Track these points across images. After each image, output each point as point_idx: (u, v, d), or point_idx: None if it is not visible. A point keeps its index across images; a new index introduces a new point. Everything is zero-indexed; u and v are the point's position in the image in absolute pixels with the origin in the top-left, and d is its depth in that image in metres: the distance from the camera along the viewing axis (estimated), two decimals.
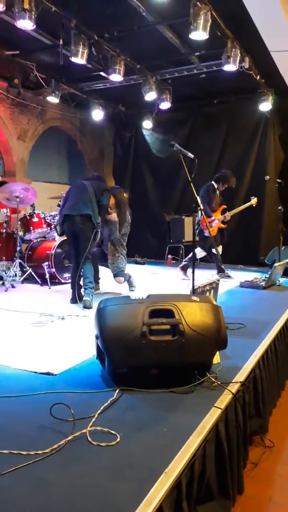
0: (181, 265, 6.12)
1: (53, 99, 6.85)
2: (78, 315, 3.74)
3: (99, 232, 4.35)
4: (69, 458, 1.56)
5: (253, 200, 6.26)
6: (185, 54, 5.85)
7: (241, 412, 2.13)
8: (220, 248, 6.06)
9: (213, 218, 5.90)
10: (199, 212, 4.02)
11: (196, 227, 5.55)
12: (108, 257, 4.88)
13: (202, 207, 3.72)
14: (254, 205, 6.26)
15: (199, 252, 6.00)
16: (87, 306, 3.98)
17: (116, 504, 1.31)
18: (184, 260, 6.27)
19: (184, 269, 5.98)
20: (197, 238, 5.66)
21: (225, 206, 6.10)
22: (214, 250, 5.92)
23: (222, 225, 6.06)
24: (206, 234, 5.81)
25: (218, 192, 6.00)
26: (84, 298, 4.09)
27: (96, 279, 4.88)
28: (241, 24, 4.78)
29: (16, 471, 1.46)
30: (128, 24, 5.05)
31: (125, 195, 5.13)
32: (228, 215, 6.00)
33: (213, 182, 5.97)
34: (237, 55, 5.21)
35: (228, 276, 5.79)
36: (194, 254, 4.16)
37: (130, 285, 4.99)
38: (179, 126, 8.25)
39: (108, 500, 1.33)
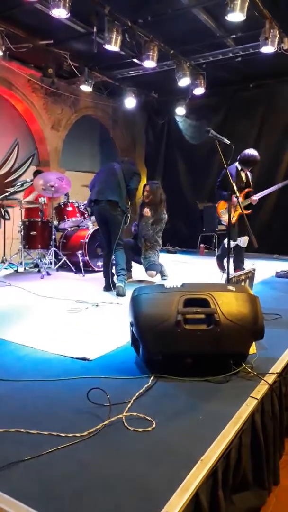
0: (216, 256, 5.62)
1: (86, 88, 6.86)
2: (112, 303, 3.79)
3: (129, 217, 4.29)
4: (106, 442, 1.59)
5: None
6: (220, 37, 5.67)
7: (277, 403, 2.10)
8: (244, 240, 5.07)
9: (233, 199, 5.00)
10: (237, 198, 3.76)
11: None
12: (142, 250, 4.87)
13: (237, 194, 3.57)
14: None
15: (243, 242, 5.11)
16: (120, 293, 4.01)
17: (152, 489, 1.33)
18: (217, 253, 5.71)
19: (219, 259, 5.47)
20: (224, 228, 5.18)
21: (251, 189, 5.21)
22: (232, 243, 4.85)
23: (246, 211, 4.79)
24: (222, 222, 5.33)
25: (243, 174, 5.18)
26: (117, 285, 4.13)
27: (129, 267, 4.88)
28: (280, 3, 4.58)
29: (56, 452, 1.51)
30: (162, 8, 4.95)
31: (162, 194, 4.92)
32: (255, 197, 5.12)
33: (236, 164, 5.17)
34: (276, 36, 5.01)
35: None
36: (229, 243, 4.04)
37: (162, 274, 4.99)
38: (213, 112, 8.08)
39: (145, 485, 1.35)
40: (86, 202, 4.82)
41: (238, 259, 5.20)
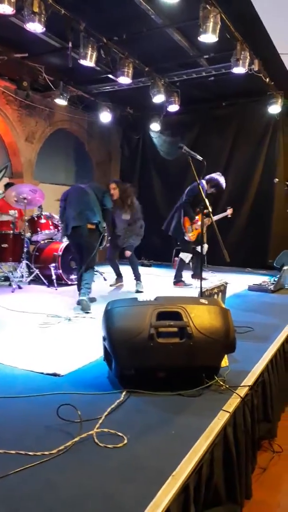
0: (192, 274, 5.89)
1: (61, 102, 6.87)
2: (85, 317, 3.74)
3: (105, 237, 4.34)
4: (76, 459, 1.55)
5: (229, 211, 5.99)
6: (194, 56, 5.83)
7: (249, 416, 2.10)
8: (205, 247, 5.52)
9: (197, 218, 5.47)
10: (208, 214, 3.90)
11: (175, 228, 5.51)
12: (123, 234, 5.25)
13: (210, 209, 3.66)
14: (229, 216, 5.97)
15: (186, 257, 5.63)
16: (84, 308, 3.91)
17: (123, 506, 1.30)
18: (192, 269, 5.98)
19: (195, 276, 5.75)
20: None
21: (210, 210, 5.58)
22: (198, 248, 5.29)
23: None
24: (187, 238, 5.55)
25: (205, 193, 5.31)
26: (79, 299, 4.02)
27: (119, 273, 5.46)
28: (251, 27, 4.76)
29: (23, 471, 1.45)
30: (137, 27, 5.06)
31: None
32: (208, 220, 5.27)
33: (203, 181, 5.49)
34: (247, 57, 5.19)
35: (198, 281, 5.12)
36: (202, 257, 4.11)
37: (138, 283, 5.19)
38: (187, 128, 8.25)
39: (116, 502, 1.32)
40: (62, 227, 4.78)
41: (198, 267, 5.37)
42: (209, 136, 7.98)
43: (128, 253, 5.24)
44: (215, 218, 5.42)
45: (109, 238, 5.32)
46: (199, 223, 5.46)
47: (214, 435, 1.72)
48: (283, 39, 4.96)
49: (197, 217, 5.49)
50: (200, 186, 3.51)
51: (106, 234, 4.36)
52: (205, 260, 5.64)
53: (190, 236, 5.55)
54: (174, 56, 5.86)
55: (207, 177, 5.54)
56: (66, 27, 4.82)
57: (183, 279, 5.62)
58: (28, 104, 7.16)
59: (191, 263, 5.79)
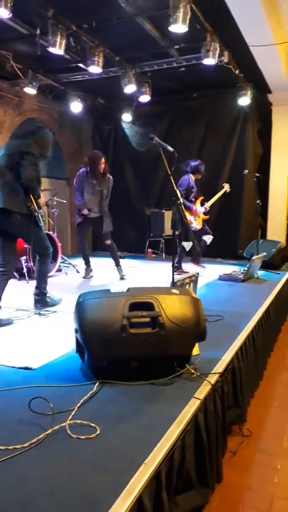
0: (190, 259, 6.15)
1: (30, 90, 6.70)
2: (56, 311, 3.71)
3: (40, 215, 3.48)
4: (48, 451, 1.55)
5: (226, 186, 6.33)
6: (165, 47, 5.80)
7: (220, 402, 2.16)
8: (187, 244, 5.85)
9: (194, 208, 5.87)
10: (179, 205, 4.01)
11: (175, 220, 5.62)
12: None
13: (181, 201, 3.72)
14: (227, 191, 6.31)
15: (188, 245, 5.86)
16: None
17: (96, 495, 1.32)
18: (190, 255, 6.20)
19: (193, 261, 6.07)
20: (178, 232, 5.62)
21: (203, 197, 6.08)
22: (184, 243, 5.82)
23: (205, 216, 6.03)
24: (193, 228, 5.81)
25: (193, 183, 5.95)
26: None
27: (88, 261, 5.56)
28: (221, 18, 4.77)
29: None
30: (107, 15, 4.97)
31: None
32: (207, 205, 6.04)
33: (190, 174, 5.91)
34: (216, 49, 5.21)
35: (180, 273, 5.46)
36: (178, 247, 4.18)
37: (120, 268, 5.38)
38: (159, 119, 8.23)
39: (88, 491, 1.33)
40: None
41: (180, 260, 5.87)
42: (180, 127, 8.00)
43: (109, 241, 5.27)
44: (215, 198, 6.13)
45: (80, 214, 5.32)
46: (199, 209, 5.93)
47: (186, 422, 1.76)
48: (252, 31, 5.00)
49: (193, 206, 5.86)
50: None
51: (38, 213, 3.46)
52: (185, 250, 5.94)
53: (196, 225, 5.88)
54: (145, 46, 5.81)
55: (189, 168, 5.90)
56: (34, 13, 4.69)
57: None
58: None
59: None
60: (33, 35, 5.14)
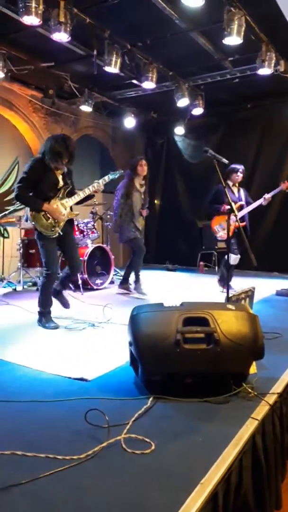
0: (217, 277, 5.56)
1: (86, 108, 6.97)
2: (109, 323, 3.76)
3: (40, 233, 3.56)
4: (104, 464, 1.56)
5: (267, 197, 5.19)
6: (218, 59, 5.80)
7: (278, 424, 2.06)
8: (234, 258, 5.10)
9: (221, 208, 4.98)
10: (234, 217, 3.84)
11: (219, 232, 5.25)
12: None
13: (236, 213, 3.61)
14: (263, 204, 5.22)
15: (234, 259, 5.13)
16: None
17: None
18: (218, 273, 5.64)
19: (221, 280, 5.37)
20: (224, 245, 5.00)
21: (243, 203, 5.17)
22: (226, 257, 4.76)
23: (238, 223, 4.35)
24: (218, 238, 5.24)
25: (229, 188, 5.14)
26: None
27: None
28: (276, 27, 4.70)
29: (52, 475, 1.47)
30: (160, 32, 5.08)
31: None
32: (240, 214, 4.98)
33: (229, 182, 5.21)
34: (272, 58, 5.13)
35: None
36: (228, 260, 4.07)
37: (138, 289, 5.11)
38: (212, 131, 8.19)
39: (143, 509, 1.32)
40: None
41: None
42: (234, 139, 7.89)
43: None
44: (250, 208, 5.15)
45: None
46: (223, 223, 5.12)
47: (243, 443, 1.70)
48: None
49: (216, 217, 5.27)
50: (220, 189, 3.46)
51: (39, 228, 3.55)
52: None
53: (221, 235, 5.23)
54: (198, 59, 5.85)
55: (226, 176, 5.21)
56: (91, 35, 4.90)
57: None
58: (54, 111, 7.30)
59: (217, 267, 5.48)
60: (90, 56, 5.37)
